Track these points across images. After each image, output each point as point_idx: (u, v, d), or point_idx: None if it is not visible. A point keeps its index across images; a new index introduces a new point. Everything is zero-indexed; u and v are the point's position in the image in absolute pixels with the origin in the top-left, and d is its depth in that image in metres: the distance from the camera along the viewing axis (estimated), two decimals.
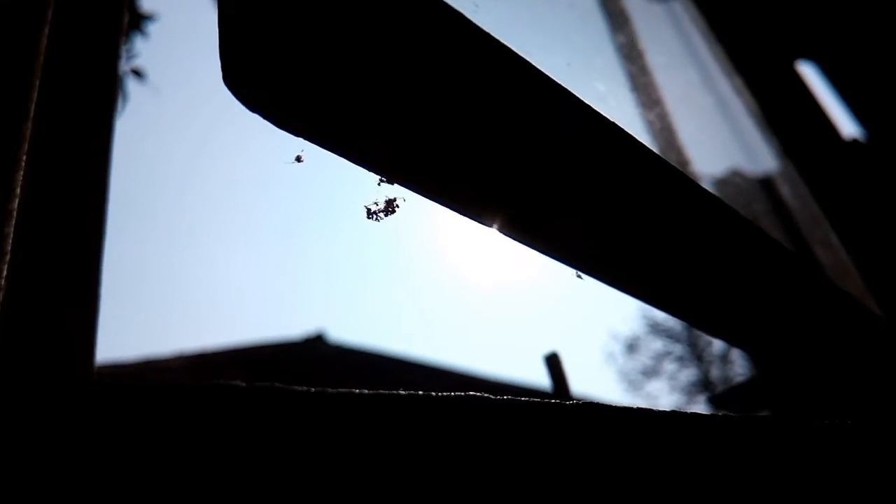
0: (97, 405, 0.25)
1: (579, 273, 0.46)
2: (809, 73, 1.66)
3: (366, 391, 0.29)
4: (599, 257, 0.46)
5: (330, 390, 0.28)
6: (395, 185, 0.36)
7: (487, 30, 0.38)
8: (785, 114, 1.53)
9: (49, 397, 0.25)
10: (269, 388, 0.28)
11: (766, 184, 1.58)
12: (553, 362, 0.82)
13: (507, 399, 0.32)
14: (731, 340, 0.56)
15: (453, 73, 0.36)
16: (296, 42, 0.31)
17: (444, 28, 0.34)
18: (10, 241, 0.46)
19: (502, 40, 0.37)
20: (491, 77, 0.36)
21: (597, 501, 0.30)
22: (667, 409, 0.37)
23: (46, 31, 0.55)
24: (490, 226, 0.42)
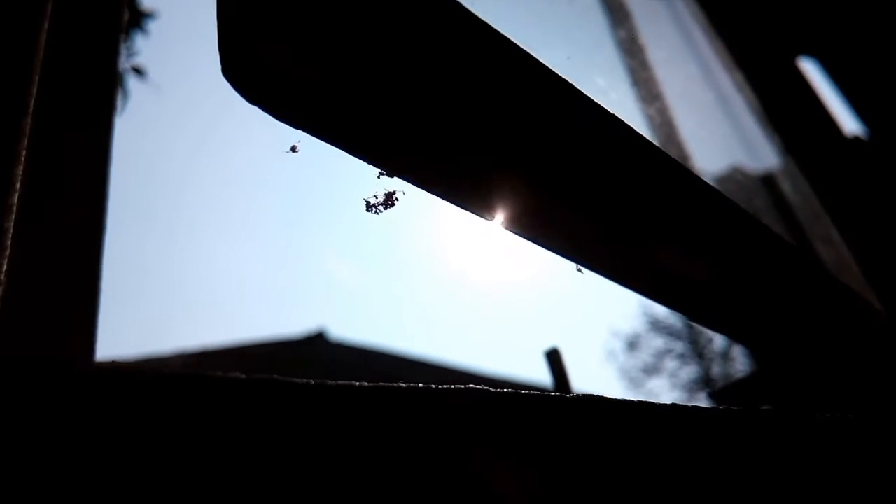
0: (97, 393, 0.25)
1: (580, 267, 0.46)
2: (811, 70, 1.66)
3: (365, 384, 0.29)
4: (602, 250, 0.46)
5: (329, 382, 0.28)
6: (395, 178, 0.36)
7: (488, 22, 0.38)
8: (787, 110, 1.52)
9: (49, 385, 0.25)
10: (268, 379, 0.28)
11: (767, 180, 1.57)
12: (554, 358, 0.82)
13: (507, 391, 0.32)
14: (732, 334, 0.56)
15: (454, 64, 0.36)
16: (294, 32, 0.31)
17: (445, 18, 0.34)
18: (10, 235, 0.46)
19: (502, 31, 0.37)
20: (492, 68, 0.36)
21: (596, 492, 0.30)
22: (667, 402, 0.37)
23: (46, 25, 0.55)
24: (490, 219, 0.42)
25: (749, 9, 1.62)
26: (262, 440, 0.26)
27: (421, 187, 0.39)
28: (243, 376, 0.28)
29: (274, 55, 0.32)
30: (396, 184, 0.35)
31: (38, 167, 0.54)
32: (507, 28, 0.42)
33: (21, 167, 0.49)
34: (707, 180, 0.52)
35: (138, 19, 2.74)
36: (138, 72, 2.79)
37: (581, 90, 0.44)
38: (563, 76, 0.43)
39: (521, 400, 0.32)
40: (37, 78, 0.52)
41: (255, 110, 0.35)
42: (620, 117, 0.44)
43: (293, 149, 0.32)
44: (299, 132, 0.33)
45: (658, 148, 0.46)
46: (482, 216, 0.42)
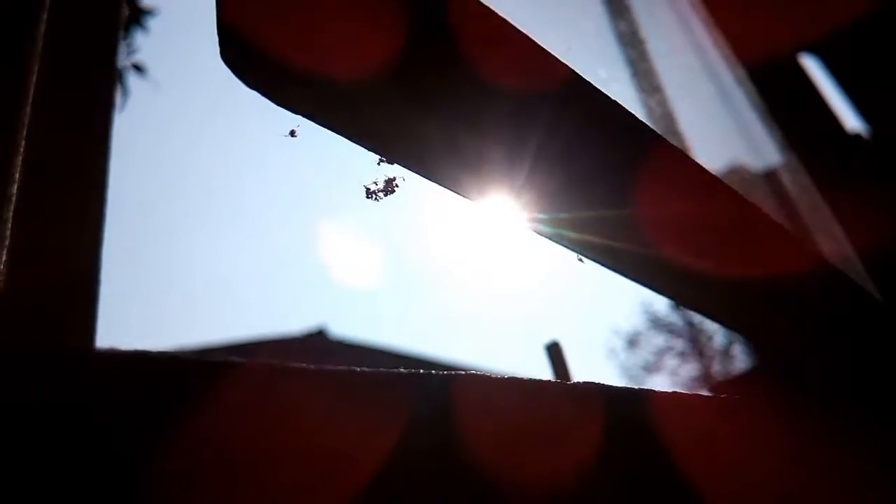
0: (98, 378, 0.25)
1: (580, 257, 0.46)
2: (812, 66, 1.65)
3: (366, 369, 0.29)
4: (605, 241, 0.46)
5: (329, 367, 0.28)
6: (395, 165, 0.35)
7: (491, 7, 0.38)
8: (788, 106, 1.52)
9: (49, 371, 0.25)
10: (268, 364, 0.28)
11: (768, 175, 1.57)
12: (554, 351, 0.82)
13: (507, 377, 0.32)
14: (731, 324, 0.56)
15: (457, 49, 0.36)
16: (293, 16, 0.31)
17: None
18: (10, 225, 0.46)
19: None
20: (494, 50, 0.36)
21: (593, 479, 0.31)
22: (667, 391, 0.37)
23: (44, 17, 0.55)
24: (492, 207, 0.42)
25: (750, 4, 1.62)
26: (261, 424, 0.26)
27: (421, 174, 0.39)
28: (241, 360, 0.28)
29: (272, 38, 0.32)
30: (396, 170, 0.35)
31: (37, 159, 0.54)
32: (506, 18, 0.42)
33: (20, 158, 0.49)
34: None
35: (138, 16, 2.74)
36: (138, 69, 2.79)
37: (587, 79, 0.44)
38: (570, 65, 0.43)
39: (520, 385, 0.32)
40: (35, 69, 0.52)
41: (255, 100, 0.35)
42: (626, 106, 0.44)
43: (292, 133, 0.32)
44: (299, 119, 0.33)
45: (659, 134, 0.46)
46: (480, 203, 0.42)
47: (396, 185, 0.35)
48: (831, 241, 1.25)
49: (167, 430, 0.25)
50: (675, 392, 0.36)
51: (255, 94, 0.33)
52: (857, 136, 1.60)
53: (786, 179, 1.53)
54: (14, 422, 0.23)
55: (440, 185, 0.41)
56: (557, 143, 0.42)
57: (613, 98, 0.46)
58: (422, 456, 0.28)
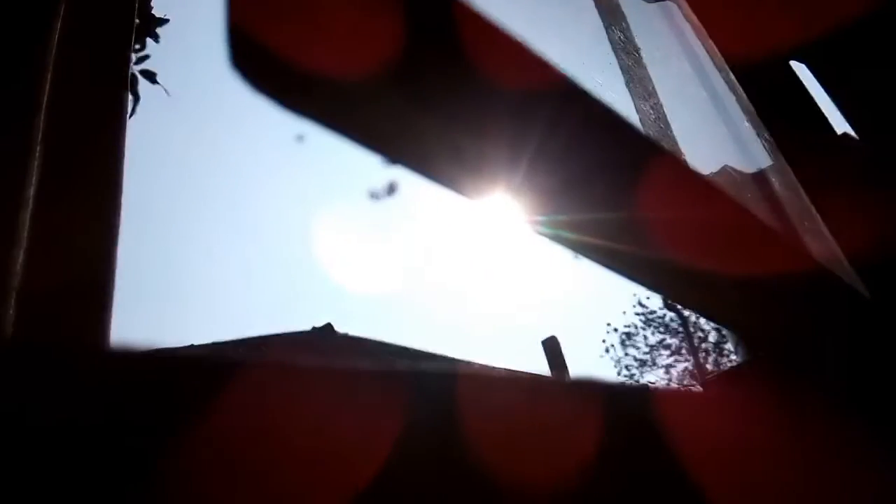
0: (110, 376, 0.25)
1: (576, 255, 0.48)
2: (801, 71, 1.68)
3: (367, 366, 0.30)
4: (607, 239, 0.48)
5: (331, 364, 0.29)
6: (398, 167, 0.37)
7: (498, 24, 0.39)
8: (778, 110, 1.54)
9: (63, 368, 0.25)
10: (275, 362, 0.29)
11: (757, 177, 1.59)
12: (551, 346, 0.83)
13: (506, 372, 0.33)
14: (723, 321, 0.57)
15: (457, 53, 0.38)
16: (300, 20, 0.32)
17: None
18: (27, 228, 0.47)
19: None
20: (493, 57, 0.37)
21: (592, 474, 0.31)
22: (665, 387, 0.38)
23: (57, 26, 0.56)
24: (492, 206, 0.43)
25: (742, 12, 1.63)
26: (269, 422, 0.27)
27: (423, 176, 0.40)
28: (250, 358, 0.28)
29: (279, 43, 0.33)
30: (399, 172, 0.37)
31: (52, 163, 0.55)
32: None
33: (35, 163, 0.50)
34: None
35: (149, 25, 2.72)
36: (148, 76, 2.78)
37: (582, 85, 0.45)
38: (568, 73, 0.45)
39: (519, 382, 0.33)
40: (48, 76, 0.53)
41: (265, 106, 0.36)
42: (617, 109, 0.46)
43: (300, 138, 0.33)
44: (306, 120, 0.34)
45: (653, 140, 0.47)
46: (480, 203, 0.43)
47: (399, 186, 0.36)
48: (820, 242, 1.27)
49: (176, 428, 0.25)
50: (673, 388, 0.37)
51: (263, 99, 0.34)
52: (844, 137, 1.62)
53: (774, 181, 1.55)
54: (24, 419, 0.23)
55: (441, 185, 0.43)
56: (554, 146, 0.44)
57: (608, 104, 0.48)
58: (422, 451, 0.29)
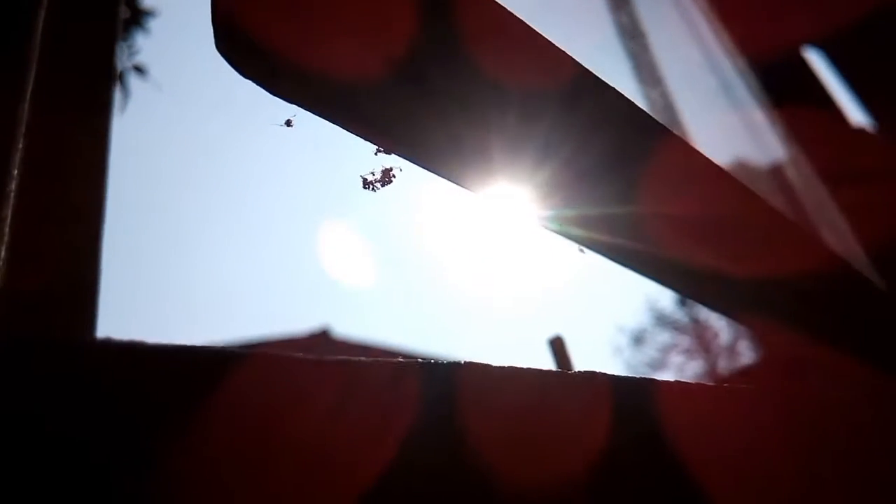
0: (97, 368, 0.25)
1: (581, 248, 0.46)
2: (817, 60, 1.64)
3: (364, 359, 0.29)
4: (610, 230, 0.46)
5: (328, 358, 0.28)
6: (392, 155, 0.35)
7: None
8: (793, 100, 1.51)
9: (50, 360, 0.25)
10: (273, 355, 0.28)
11: (773, 170, 1.57)
12: (557, 346, 0.82)
13: (511, 366, 0.32)
14: (740, 318, 0.55)
15: (463, 41, 0.36)
16: (289, 8, 0.31)
17: None
18: (9, 222, 0.46)
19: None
20: (500, 44, 0.36)
21: (599, 467, 0.30)
22: (671, 380, 0.36)
23: (42, 14, 0.55)
24: (497, 199, 0.41)
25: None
26: (266, 414, 0.26)
27: (421, 165, 0.38)
28: (235, 349, 0.27)
29: (267, 30, 0.32)
30: (393, 160, 0.35)
31: (36, 157, 0.54)
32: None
33: (18, 155, 0.49)
34: None
35: (138, 17, 2.74)
36: (139, 70, 2.80)
37: (595, 73, 0.44)
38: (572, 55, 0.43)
39: (521, 375, 0.32)
40: (34, 66, 0.52)
41: (255, 97, 0.34)
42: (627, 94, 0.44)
43: (288, 123, 0.32)
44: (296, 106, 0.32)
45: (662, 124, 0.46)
46: (484, 195, 0.41)
47: (394, 175, 0.34)
48: (835, 235, 1.24)
49: (167, 421, 0.24)
50: (680, 381, 0.35)
51: (251, 85, 0.33)
52: (861, 131, 1.59)
53: (790, 174, 1.53)
54: (12, 411, 0.22)
55: (441, 176, 0.41)
56: (566, 138, 0.42)
57: (622, 92, 0.46)
58: (430, 444, 0.28)
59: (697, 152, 0.50)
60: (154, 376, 0.26)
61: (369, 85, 0.35)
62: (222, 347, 0.27)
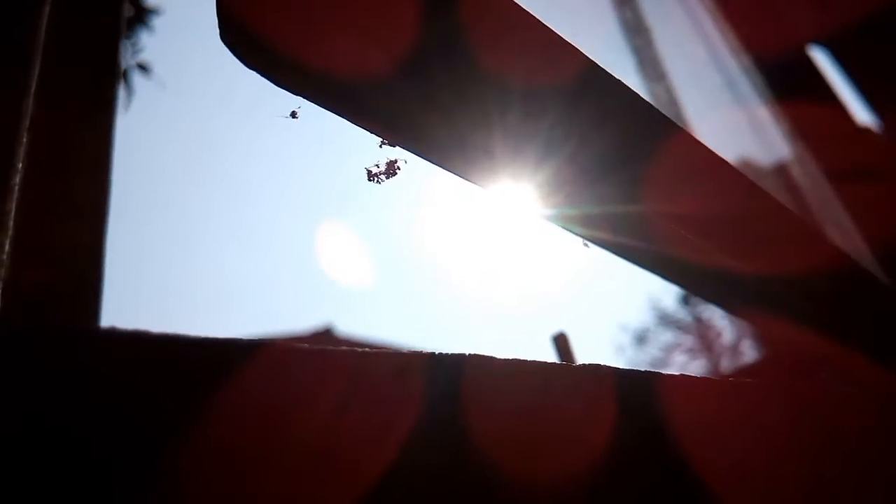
0: (102, 356, 0.25)
1: (586, 242, 0.46)
2: (822, 59, 1.64)
3: (367, 349, 0.29)
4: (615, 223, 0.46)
5: (334, 348, 0.28)
6: (397, 148, 0.35)
7: None
8: (797, 97, 1.51)
9: (55, 349, 0.24)
10: (271, 344, 0.28)
11: (778, 169, 1.56)
12: (561, 342, 0.81)
13: (516, 359, 0.31)
14: (745, 314, 0.55)
15: (463, 30, 0.36)
16: (292, 3, 0.31)
17: None
18: (13, 216, 0.46)
19: None
20: (510, 37, 0.35)
21: (603, 459, 0.30)
22: (675, 373, 0.36)
23: (46, 14, 0.55)
24: (496, 190, 0.41)
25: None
26: (265, 401, 0.26)
27: (426, 159, 0.38)
28: (246, 339, 0.27)
29: (271, 24, 0.32)
30: (398, 153, 0.35)
31: (40, 152, 0.54)
32: None
33: (22, 149, 0.49)
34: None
35: (142, 16, 2.74)
36: (143, 68, 2.80)
37: (604, 67, 0.43)
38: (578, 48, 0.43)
39: (525, 367, 0.32)
40: (37, 61, 0.52)
41: (259, 93, 0.34)
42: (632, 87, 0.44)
43: (293, 114, 0.31)
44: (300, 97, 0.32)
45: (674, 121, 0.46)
46: (487, 187, 0.41)
47: (398, 167, 0.34)
48: (840, 233, 1.24)
49: (171, 409, 0.24)
50: (684, 375, 0.35)
51: (254, 82, 0.33)
52: (866, 130, 1.58)
53: (795, 172, 1.52)
54: (16, 400, 0.22)
55: (446, 169, 0.41)
56: (572, 132, 0.42)
57: (629, 86, 0.46)
58: (435, 435, 0.28)
59: (706, 147, 0.50)
60: (158, 365, 0.25)
61: (373, 81, 0.35)
62: (228, 337, 0.27)
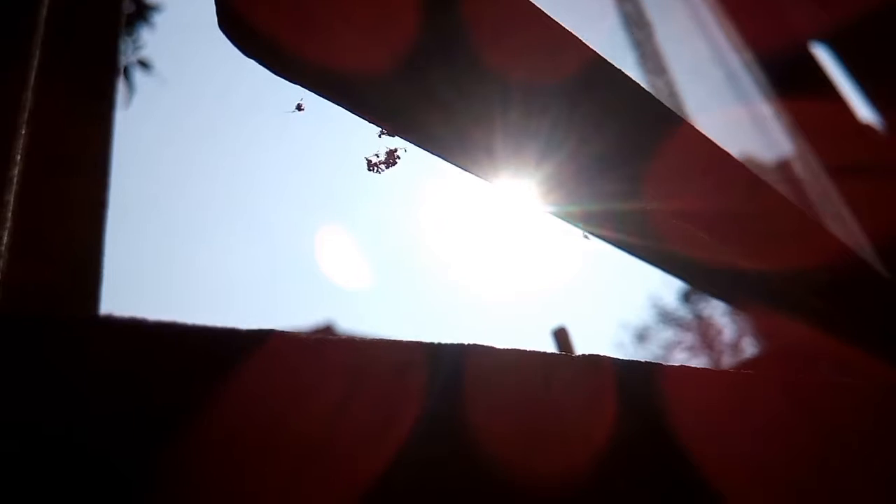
0: (101, 344, 0.25)
1: (586, 234, 0.46)
2: (824, 56, 1.63)
3: (372, 338, 0.29)
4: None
5: (335, 338, 0.28)
6: (396, 137, 0.35)
7: None
8: (798, 94, 1.50)
9: (54, 336, 0.24)
10: (273, 333, 0.28)
11: (780, 166, 1.56)
12: (561, 337, 0.81)
13: (517, 349, 0.31)
14: (747, 305, 0.55)
15: (465, 23, 0.35)
16: None
17: None
18: (10, 208, 0.46)
19: None
20: (515, 29, 0.35)
21: (604, 450, 0.30)
22: (675, 364, 0.36)
23: (45, 8, 0.55)
24: (496, 182, 0.41)
25: None
26: (267, 391, 0.26)
27: (426, 149, 0.38)
28: (250, 329, 0.27)
29: (269, 8, 0.32)
30: (398, 142, 0.35)
31: (39, 145, 0.53)
32: None
33: (21, 141, 0.49)
34: None
35: (143, 12, 2.74)
36: (144, 65, 2.80)
37: (610, 61, 0.43)
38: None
39: (525, 357, 0.32)
40: (37, 53, 0.52)
41: (261, 90, 0.34)
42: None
43: (299, 107, 0.31)
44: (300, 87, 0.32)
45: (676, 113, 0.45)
46: (487, 178, 0.41)
47: (398, 157, 0.34)
48: (842, 229, 1.24)
49: (169, 397, 0.24)
50: (685, 366, 0.35)
51: (254, 79, 0.33)
52: (867, 126, 1.58)
53: (797, 168, 1.52)
54: (14, 390, 0.22)
55: (447, 161, 0.41)
56: (576, 126, 0.42)
57: (634, 79, 0.45)
58: (436, 425, 0.28)
59: (711, 141, 0.50)
60: (156, 353, 0.25)
61: (373, 78, 0.35)
62: (227, 326, 0.27)
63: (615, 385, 0.32)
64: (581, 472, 0.29)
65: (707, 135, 0.50)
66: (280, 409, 0.26)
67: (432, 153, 0.39)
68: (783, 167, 1.52)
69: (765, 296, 0.55)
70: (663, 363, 0.34)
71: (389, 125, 0.37)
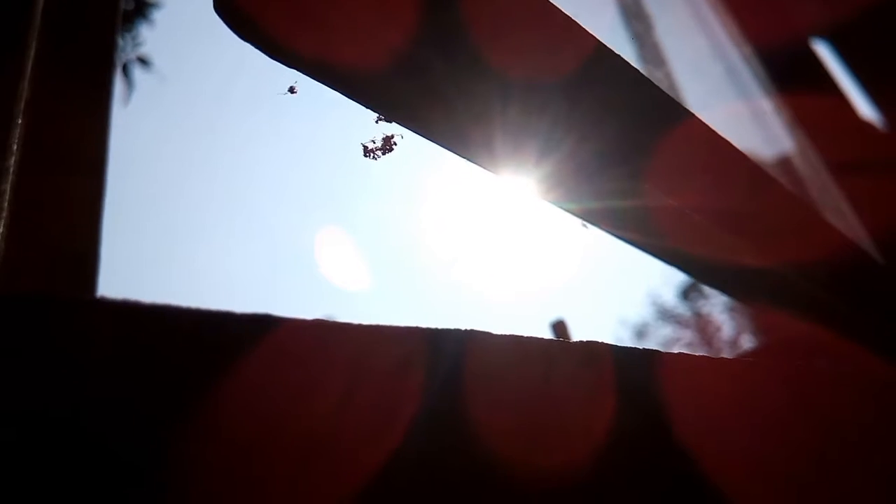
0: (99, 325, 0.25)
1: (584, 223, 0.46)
2: (825, 52, 1.63)
3: (364, 322, 0.28)
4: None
5: (328, 320, 0.27)
6: (393, 123, 0.35)
7: None
8: (798, 89, 1.50)
9: (51, 316, 0.24)
10: (273, 318, 0.28)
11: (780, 162, 1.56)
12: (559, 330, 0.81)
13: (517, 335, 0.31)
14: (750, 299, 0.55)
15: (466, 16, 0.35)
16: None
17: None
18: (6, 198, 0.45)
19: None
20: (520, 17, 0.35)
21: (602, 436, 0.30)
22: (674, 352, 0.36)
23: (41, 4, 0.54)
24: (495, 170, 0.41)
25: None
26: (267, 379, 0.26)
27: (424, 136, 0.38)
28: (242, 312, 0.27)
29: (266, 10, 0.31)
30: (394, 128, 0.34)
31: (36, 140, 0.53)
32: None
33: (17, 130, 0.48)
34: None
35: (142, 9, 2.74)
36: (143, 61, 2.79)
37: (616, 51, 0.43)
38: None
39: (525, 343, 0.32)
40: (33, 44, 0.51)
41: (260, 88, 0.34)
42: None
43: (291, 90, 0.31)
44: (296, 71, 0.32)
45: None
46: (487, 167, 0.41)
47: (395, 143, 0.34)
48: (842, 225, 1.24)
49: (167, 381, 0.24)
50: (684, 353, 0.35)
51: (254, 77, 0.32)
52: (868, 124, 1.58)
53: (797, 164, 1.52)
54: (10, 373, 0.22)
55: (446, 149, 0.40)
56: (581, 120, 0.41)
57: (638, 69, 0.45)
58: (438, 411, 0.28)
59: (716, 133, 0.49)
60: (153, 336, 0.25)
61: (371, 73, 0.35)
62: (225, 310, 0.27)
63: (614, 371, 0.32)
64: (581, 460, 0.29)
65: (710, 125, 0.50)
66: (282, 393, 0.26)
67: (430, 140, 0.39)
68: (783, 163, 1.52)
69: (767, 289, 0.55)
70: (662, 350, 0.34)
71: (387, 115, 0.36)
